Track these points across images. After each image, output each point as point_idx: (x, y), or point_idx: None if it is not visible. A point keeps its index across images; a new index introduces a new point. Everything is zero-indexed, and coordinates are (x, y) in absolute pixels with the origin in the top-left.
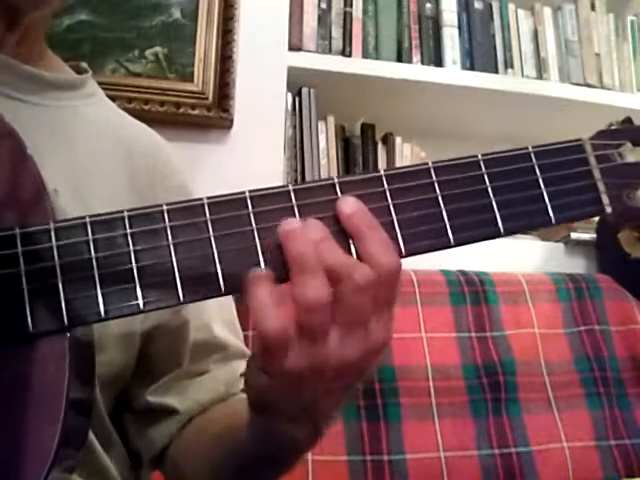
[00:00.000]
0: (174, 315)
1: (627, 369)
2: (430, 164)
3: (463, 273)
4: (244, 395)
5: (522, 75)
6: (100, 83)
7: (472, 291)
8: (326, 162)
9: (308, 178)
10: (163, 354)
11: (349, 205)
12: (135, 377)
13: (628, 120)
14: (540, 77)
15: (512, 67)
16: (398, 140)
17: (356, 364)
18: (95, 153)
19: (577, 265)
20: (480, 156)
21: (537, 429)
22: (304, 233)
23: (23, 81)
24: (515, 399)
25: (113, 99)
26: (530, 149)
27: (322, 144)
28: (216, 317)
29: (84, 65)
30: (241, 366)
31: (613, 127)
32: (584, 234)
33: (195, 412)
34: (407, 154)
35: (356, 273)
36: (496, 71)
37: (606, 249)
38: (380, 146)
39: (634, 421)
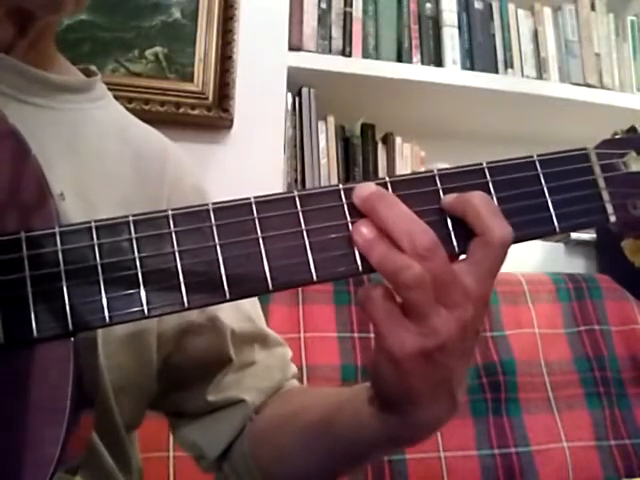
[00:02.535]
0: (199, 313)
1: (627, 369)
2: (435, 171)
3: None
4: (295, 382)
5: (522, 75)
6: None
7: None
8: (326, 162)
9: (308, 178)
10: (208, 352)
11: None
12: (184, 384)
13: (633, 129)
14: (540, 77)
15: (512, 67)
16: (398, 140)
17: (471, 324)
18: (103, 155)
19: (577, 265)
20: (485, 164)
21: (537, 429)
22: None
23: (30, 83)
24: (515, 399)
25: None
26: (535, 157)
27: (322, 144)
28: (251, 309)
29: (93, 68)
30: (284, 353)
31: (618, 136)
32: (584, 234)
33: (259, 401)
34: (407, 154)
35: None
36: (496, 71)
37: (606, 249)
38: (380, 146)
39: (634, 421)
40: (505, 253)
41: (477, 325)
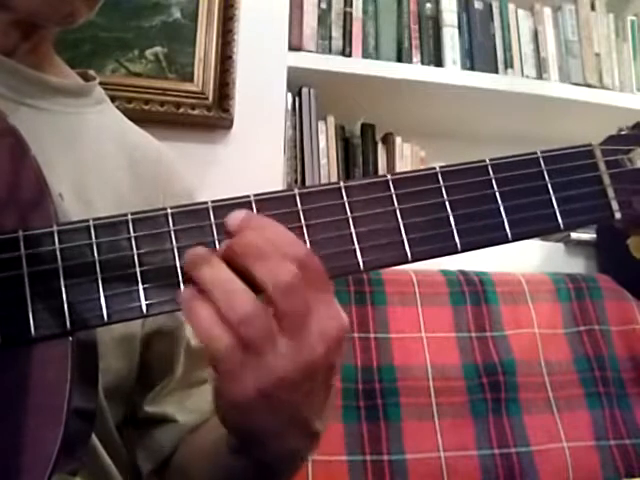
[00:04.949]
0: (170, 317)
1: (627, 369)
2: (438, 169)
3: (463, 273)
4: None
5: (522, 75)
6: (100, 83)
7: (472, 291)
8: (326, 162)
9: (308, 178)
10: (159, 359)
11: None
12: (135, 385)
13: (638, 125)
14: (540, 77)
15: (512, 67)
16: (398, 140)
17: (320, 362)
18: (100, 158)
19: (577, 265)
20: (488, 161)
21: (537, 429)
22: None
23: (30, 86)
24: (515, 399)
25: (113, 99)
26: (539, 154)
27: (322, 144)
28: None
29: (92, 73)
30: None
31: (623, 132)
32: (584, 234)
33: (195, 422)
34: (407, 154)
35: (279, 274)
36: (496, 71)
37: (606, 249)
38: (380, 146)
39: (634, 421)
40: (317, 268)
41: (330, 360)
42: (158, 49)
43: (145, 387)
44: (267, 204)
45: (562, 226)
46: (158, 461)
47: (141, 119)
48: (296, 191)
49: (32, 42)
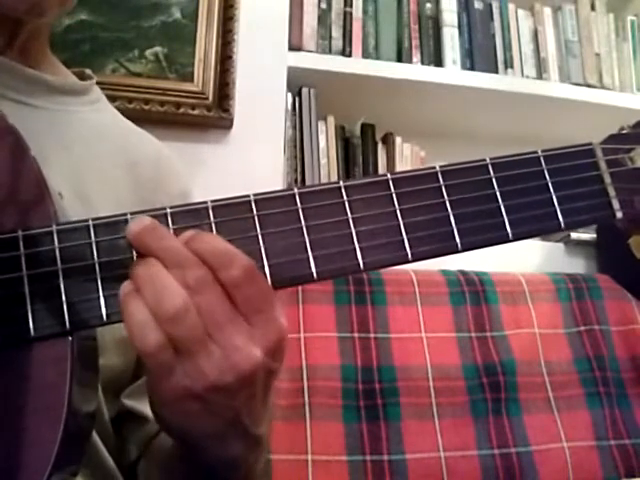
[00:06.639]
0: None
1: (627, 369)
2: (438, 168)
3: (463, 273)
4: None
5: (522, 75)
6: (100, 83)
7: (472, 291)
8: (326, 162)
9: (308, 178)
10: None
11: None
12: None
13: (639, 124)
14: (540, 77)
15: (512, 67)
16: (398, 140)
17: (258, 369)
18: (98, 157)
19: (577, 265)
20: (488, 160)
21: (537, 429)
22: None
23: (27, 84)
24: (515, 399)
25: (113, 99)
26: (539, 153)
27: (322, 144)
28: None
29: (88, 72)
30: None
31: (624, 131)
32: (584, 234)
33: None
34: (407, 154)
35: (189, 273)
36: (496, 71)
37: (606, 249)
38: (380, 146)
39: (634, 421)
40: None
41: (270, 366)
42: (158, 49)
43: (130, 379)
44: (267, 203)
45: (563, 225)
46: (131, 461)
47: (141, 119)
48: (296, 190)
49: (21, 40)
